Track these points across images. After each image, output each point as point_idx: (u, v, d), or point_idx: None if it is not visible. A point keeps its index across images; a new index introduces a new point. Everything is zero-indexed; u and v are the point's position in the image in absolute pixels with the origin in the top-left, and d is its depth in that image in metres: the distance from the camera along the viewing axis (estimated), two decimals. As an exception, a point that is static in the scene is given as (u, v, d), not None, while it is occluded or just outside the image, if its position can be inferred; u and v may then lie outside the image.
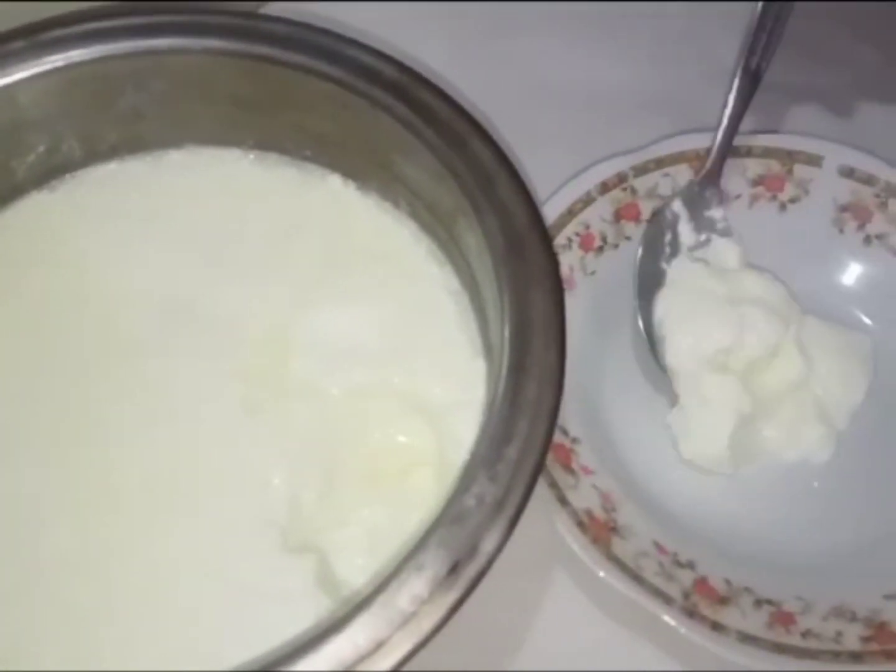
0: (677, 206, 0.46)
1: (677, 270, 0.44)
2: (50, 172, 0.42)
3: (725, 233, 0.46)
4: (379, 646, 0.26)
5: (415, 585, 0.27)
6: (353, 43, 0.38)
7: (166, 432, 0.37)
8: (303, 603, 0.32)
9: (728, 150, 0.46)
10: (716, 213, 0.46)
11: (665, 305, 0.43)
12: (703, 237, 0.46)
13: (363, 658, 0.26)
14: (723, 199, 0.46)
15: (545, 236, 0.34)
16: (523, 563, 0.38)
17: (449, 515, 0.28)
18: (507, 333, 0.32)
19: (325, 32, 0.39)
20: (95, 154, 0.43)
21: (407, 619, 0.27)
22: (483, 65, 0.52)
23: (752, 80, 0.47)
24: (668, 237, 0.46)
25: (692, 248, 0.46)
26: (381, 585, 0.27)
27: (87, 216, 0.42)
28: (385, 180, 0.41)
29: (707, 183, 0.46)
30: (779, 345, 0.41)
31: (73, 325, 0.39)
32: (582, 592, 0.38)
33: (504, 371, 0.31)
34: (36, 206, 0.42)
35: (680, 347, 0.41)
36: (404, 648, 0.27)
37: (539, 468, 0.29)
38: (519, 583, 0.38)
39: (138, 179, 0.43)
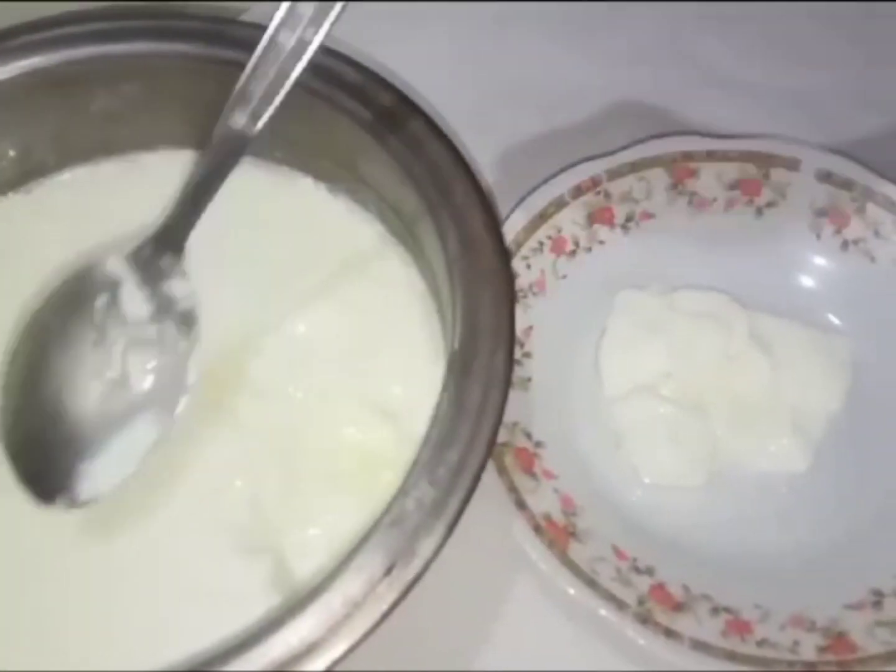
0: (119, 267, 0.35)
1: (620, 299, 0.44)
2: (24, 176, 0.43)
3: (188, 319, 0.35)
4: (312, 647, 0.27)
5: (350, 587, 0.27)
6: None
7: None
8: (255, 603, 0.32)
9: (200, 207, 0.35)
10: (177, 288, 0.36)
11: (606, 336, 0.43)
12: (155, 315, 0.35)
13: (296, 659, 0.27)
14: (186, 275, 0.36)
15: (499, 240, 0.34)
16: (484, 567, 0.38)
17: (388, 518, 0.29)
18: (456, 336, 0.32)
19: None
20: (69, 158, 0.43)
21: (340, 621, 0.27)
22: (453, 64, 0.52)
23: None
24: (102, 300, 0.35)
25: (138, 324, 0.35)
26: (318, 588, 0.27)
27: (59, 219, 0.43)
28: (352, 182, 0.42)
29: (165, 246, 0.35)
30: (735, 352, 0.41)
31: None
32: (543, 596, 0.38)
33: (450, 374, 0.31)
34: (10, 208, 0.43)
35: (614, 378, 0.41)
36: (338, 650, 0.27)
37: (480, 472, 0.29)
38: (479, 587, 0.38)
39: (112, 182, 0.44)
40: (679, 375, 0.41)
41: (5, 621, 0.33)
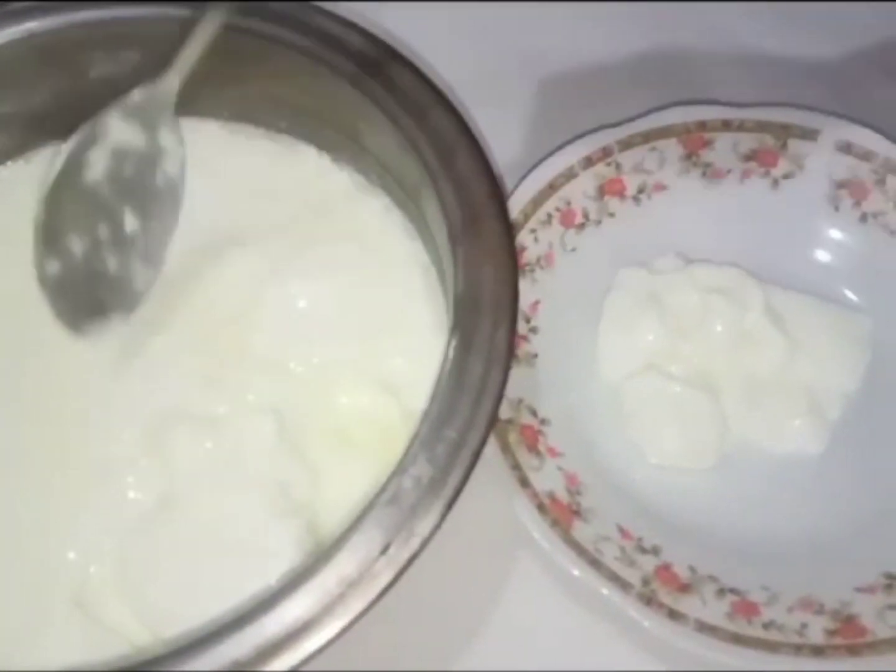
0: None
1: (620, 277, 0.43)
2: (23, 145, 0.42)
3: (172, 186, 0.37)
4: (306, 626, 0.26)
5: (345, 567, 0.27)
6: (321, 12, 0.38)
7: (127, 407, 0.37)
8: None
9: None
10: (168, 139, 0.37)
11: (603, 317, 0.42)
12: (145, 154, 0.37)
13: (290, 637, 0.26)
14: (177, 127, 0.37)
15: (503, 212, 0.33)
16: (485, 546, 0.38)
17: (385, 496, 0.28)
18: (457, 310, 0.31)
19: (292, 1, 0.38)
20: (69, 125, 0.42)
21: (335, 601, 0.26)
22: (459, 32, 0.50)
23: None
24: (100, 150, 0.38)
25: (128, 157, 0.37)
26: (313, 566, 0.27)
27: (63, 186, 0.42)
28: (356, 152, 0.41)
29: (156, 94, 0.37)
30: (748, 328, 0.40)
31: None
32: (546, 575, 0.37)
33: (450, 349, 0.30)
34: (9, 177, 0.42)
35: (612, 357, 0.41)
36: (333, 629, 0.26)
37: (480, 450, 0.29)
38: (481, 565, 0.37)
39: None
40: (689, 353, 0.40)
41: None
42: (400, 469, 0.28)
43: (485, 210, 0.33)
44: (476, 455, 0.28)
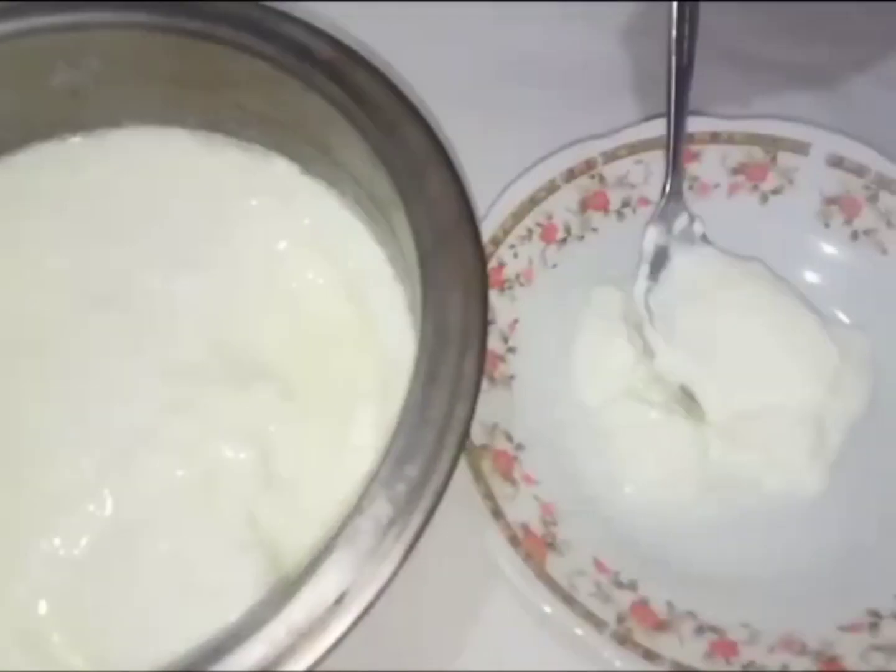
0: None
1: (593, 296, 0.41)
2: (-17, 153, 0.40)
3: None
4: (254, 678, 0.25)
5: (296, 616, 0.25)
6: (286, 18, 0.36)
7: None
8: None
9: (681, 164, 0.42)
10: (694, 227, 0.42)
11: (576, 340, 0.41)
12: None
13: (239, 690, 0.25)
14: (693, 216, 0.42)
15: (474, 234, 0.31)
16: (456, 582, 0.36)
17: (343, 538, 0.26)
18: (422, 337, 0.30)
19: (257, 6, 0.36)
20: (32, 135, 0.41)
21: (285, 653, 0.25)
22: (434, 38, 0.48)
23: (683, 80, 0.42)
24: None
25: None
26: (262, 615, 0.25)
27: (23, 197, 0.41)
28: (328, 165, 0.39)
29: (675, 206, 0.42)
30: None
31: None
32: (519, 611, 0.35)
33: (415, 380, 0.29)
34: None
35: (587, 381, 0.39)
36: (283, 681, 0.25)
37: (443, 490, 0.27)
38: (451, 602, 0.36)
39: (80, 160, 0.42)
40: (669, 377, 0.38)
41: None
42: (358, 509, 0.27)
43: (455, 232, 0.31)
44: (439, 495, 0.27)
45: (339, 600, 0.25)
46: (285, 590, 0.26)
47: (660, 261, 0.42)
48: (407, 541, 0.26)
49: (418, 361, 0.29)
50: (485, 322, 0.30)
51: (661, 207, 0.42)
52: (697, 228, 0.43)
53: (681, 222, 0.42)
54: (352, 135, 0.35)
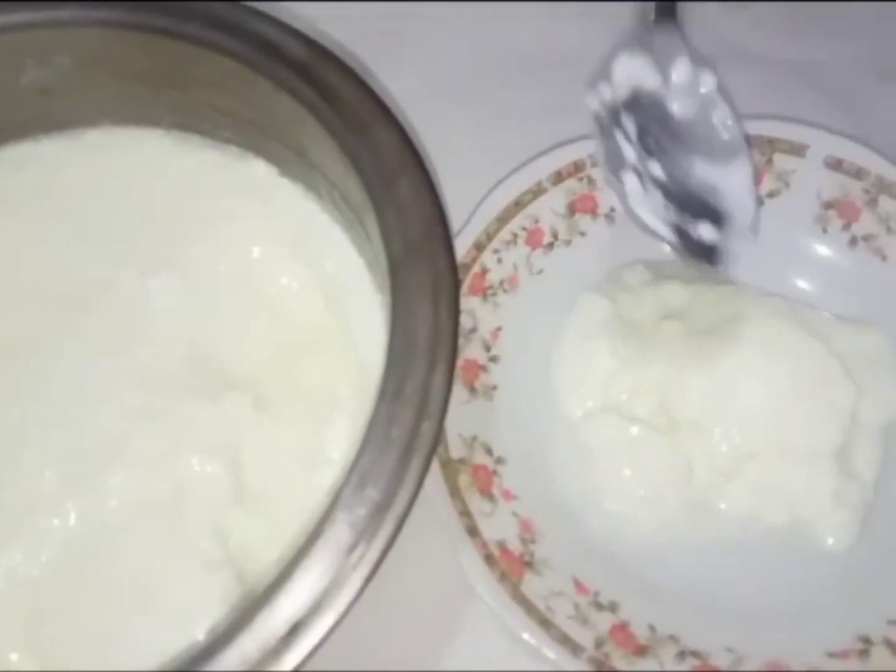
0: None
1: (579, 303, 0.39)
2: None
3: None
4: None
5: (247, 647, 0.24)
6: (258, 15, 0.35)
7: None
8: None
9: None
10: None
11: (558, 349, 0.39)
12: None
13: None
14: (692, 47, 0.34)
15: (446, 242, 0.30)
16: (431, 599, 0.35)
17: (300, 567, 0.25)
18: (390, 351, 0.28)
19: (229, 4, 0.35)
20: (6, 134, 0.40)
21: (236, 687, 0.24)
22: (419, 38, 0.47)
23: None
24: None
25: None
26: (213, 646, 0.24)
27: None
28: (304, 167, 0.38)
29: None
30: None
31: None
32: (496, 633, 0.34)
33: (380, 396, 0.27)
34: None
35: (569, 392, 0.37)
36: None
37: (406, 514, 0.26)
38: (425, 621, 0.35)
39: (54, 160, 0.41)
40: (654, 387, 0.37)
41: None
42: (316, 532, 0.26)
43: (426, 239, 0.30)
44: (401, 521, 0.26)
45: (292, 631, 0.24)
46: (238, 619, 0.25)
47: (647, 114, 0.35)
48: (367, 569, 0.25)
49: (385, 376, 0.28)
50: (455, 335, 0.28)
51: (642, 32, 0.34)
52: (707, 81, 0.35)
53: (681, 68, 0.35)
54: (324, 137, 0.33)
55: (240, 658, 0.24)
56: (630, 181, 0.36)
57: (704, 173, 0.36)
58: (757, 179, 0.37)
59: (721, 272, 0.35)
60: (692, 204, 0.35)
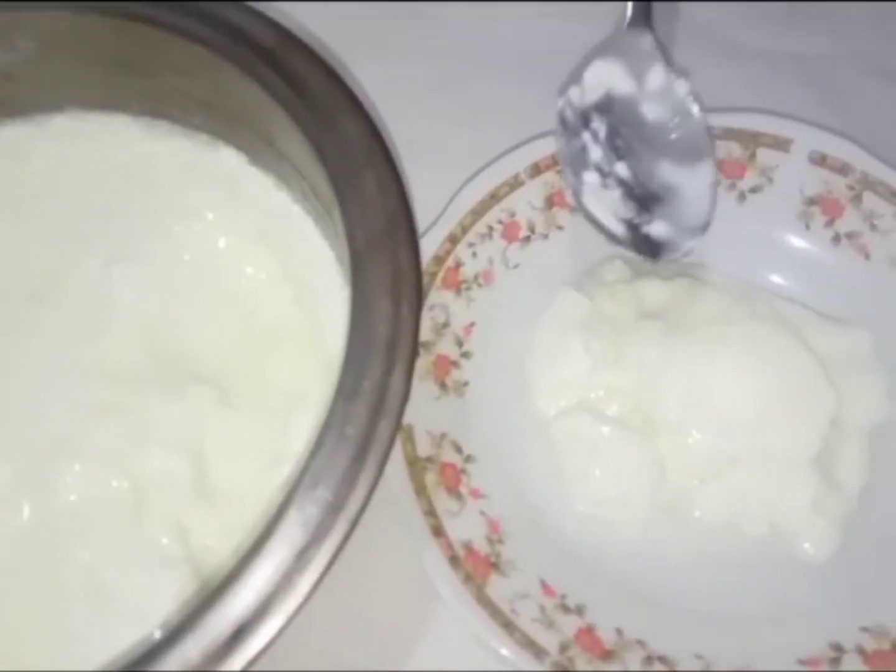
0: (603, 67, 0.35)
1: (555, 300, 0.38)
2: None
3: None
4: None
5: (189, 651, 0.23)
6: (228, 2, 0.34)
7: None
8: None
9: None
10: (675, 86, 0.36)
11: (533, 346, 0.38)
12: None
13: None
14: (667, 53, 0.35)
15: (410, 237, 0.29)
16: (395, 601, 0.34)
17: (246, 566, 0.25)
18: (347, 348, 0.28)
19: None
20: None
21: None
22: (400, 33, 0.46)
23: None
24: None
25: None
26: (153, 652, 0.24)
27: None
28: (273, 157, 0.37)
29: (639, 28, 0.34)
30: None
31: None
32: (461, 635, 0.33)
33: (336, 393, 0.27)
34: None
35: (542, 390, 0.37)
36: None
37: (358, 516, 0.25)
38: (388, 623, 0.34)
39: (19, 147, 0.40)
40: (629, 387, 0.36)
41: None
42: (268, 531, 0.25)
43: (389, 234, 0.29)
44: (354, 521, 0.25)
45: (237, 635, 0.23)
46: (184, 621, 0.24)
47: (619, 117, 0.36)
48: (317, 570, 0.24)
49: (342, 373, 0.27)
50: (416, 333, 0.28)
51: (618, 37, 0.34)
52: (680, 88, 0.36)
53: (655, 74, 0.35)
54: (291, 126, 0.33)
55: (181, 660, 0.23)
56: (590, 178, 0.37)
57: (668, 174, 0.37)
58: (716, 182, 0.39)
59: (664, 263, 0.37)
60: (651, 203, 0.37)
